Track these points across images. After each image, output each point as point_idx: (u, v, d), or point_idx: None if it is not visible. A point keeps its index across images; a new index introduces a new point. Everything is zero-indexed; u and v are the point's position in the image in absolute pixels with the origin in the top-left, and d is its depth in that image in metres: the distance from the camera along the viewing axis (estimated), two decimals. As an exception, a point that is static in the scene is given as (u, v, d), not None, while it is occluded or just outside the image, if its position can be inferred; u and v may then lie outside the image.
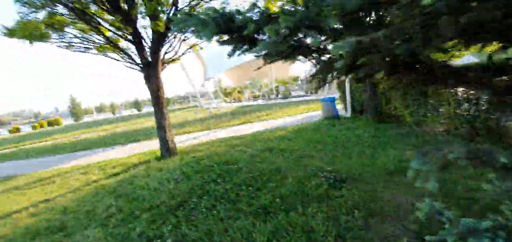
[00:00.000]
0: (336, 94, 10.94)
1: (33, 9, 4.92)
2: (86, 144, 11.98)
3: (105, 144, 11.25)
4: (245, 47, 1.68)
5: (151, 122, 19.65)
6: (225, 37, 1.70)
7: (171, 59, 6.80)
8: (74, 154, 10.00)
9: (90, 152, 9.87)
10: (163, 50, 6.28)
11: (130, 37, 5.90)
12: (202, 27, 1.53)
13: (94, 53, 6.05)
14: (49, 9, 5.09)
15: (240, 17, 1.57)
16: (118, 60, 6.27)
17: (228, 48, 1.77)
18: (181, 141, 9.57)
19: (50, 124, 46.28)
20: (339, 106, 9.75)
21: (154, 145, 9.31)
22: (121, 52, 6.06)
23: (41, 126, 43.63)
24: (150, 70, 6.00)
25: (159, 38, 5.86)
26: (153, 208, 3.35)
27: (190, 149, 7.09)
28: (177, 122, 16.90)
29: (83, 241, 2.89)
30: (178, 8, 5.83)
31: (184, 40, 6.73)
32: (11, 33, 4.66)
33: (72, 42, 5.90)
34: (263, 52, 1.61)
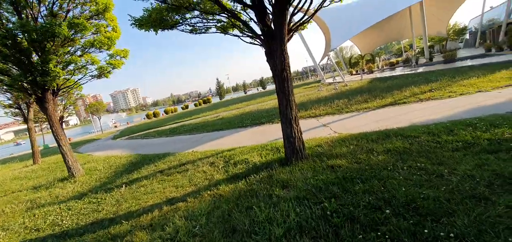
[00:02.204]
0: None
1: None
2: (221, 124, 13.15)
3: (234, 125, 11.71)
4: None
5: (273, 101, 19.65)
6: None
7: (299, 23, 4.85)
8: (211, 134, 10.97)
9: (223, 133, 10.42)
10: (290, 11, 4.45)
11: (249, 1, 4.47)
12: None
13: (213, 32, 5.21)
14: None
15: None
16: (238, 36, 5.16)
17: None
18: (308, 128, 7.80)
19: (205, 102, 61.07)
20: None
21: (276, 131, 8.19)
22: (240, 24, 4.83)
23: (200, 104, 58.51)
24: (273, 42, 4.35)
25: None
26: None
27: (323, 147, 5.07)
28: (299, 101, 15.43)
29: None
30: None
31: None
32: (139, 23, 4.48)
33: (195, 25, 5.34)
34: None
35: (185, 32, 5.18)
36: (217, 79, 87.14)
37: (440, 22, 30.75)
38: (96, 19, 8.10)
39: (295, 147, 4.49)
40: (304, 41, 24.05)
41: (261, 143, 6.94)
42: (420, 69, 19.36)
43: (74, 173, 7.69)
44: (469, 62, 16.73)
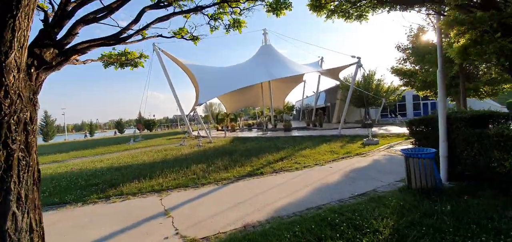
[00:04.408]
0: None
1: None
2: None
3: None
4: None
5: (123, 151, 14.59)
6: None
7: (99, 42, 2.42)
8: None
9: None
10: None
11: None
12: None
13: None
14: None
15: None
16: None
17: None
18: (137, 220, 4.66)
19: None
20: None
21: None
22: None
23: None
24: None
25: None
26: None
27: None
28: (152, 158, 12.04)
29: None
30: None
31: None
32: None
33: None
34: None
35: None
36: (45, 111, 61.55)
37: (279, 100, 40.56)
38: None
39: None
40: (173, 89, 21.60)
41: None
42: (269, 133, 22.68)
43: None
44: (298, 133, 21.51)
